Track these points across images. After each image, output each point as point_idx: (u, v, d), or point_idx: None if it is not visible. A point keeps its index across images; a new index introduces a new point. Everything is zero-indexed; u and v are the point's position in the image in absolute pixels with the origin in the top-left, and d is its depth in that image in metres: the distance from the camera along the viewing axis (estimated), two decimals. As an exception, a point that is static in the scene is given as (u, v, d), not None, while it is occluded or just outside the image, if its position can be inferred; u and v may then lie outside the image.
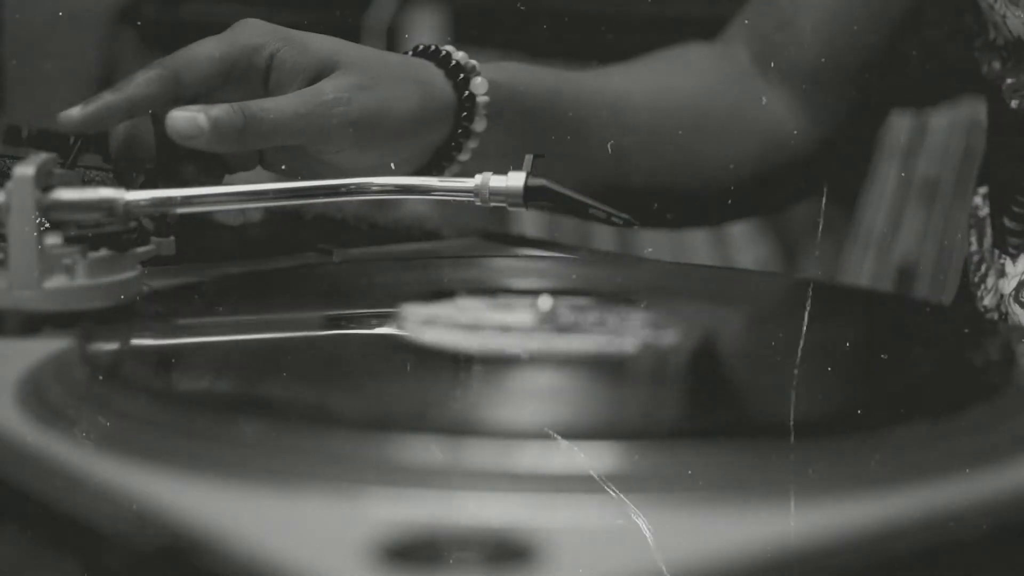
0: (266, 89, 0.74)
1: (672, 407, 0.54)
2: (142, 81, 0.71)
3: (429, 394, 0.54)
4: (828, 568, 0.42)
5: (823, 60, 0.93)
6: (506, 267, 0.76)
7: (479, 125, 0.79)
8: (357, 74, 0.74)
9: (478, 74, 0.79)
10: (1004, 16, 0.85)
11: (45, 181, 0.64)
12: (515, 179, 0.71)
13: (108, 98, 0.71)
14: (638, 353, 0.58)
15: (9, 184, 0.62)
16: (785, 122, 0.94)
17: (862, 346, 0.63)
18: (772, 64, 0.94)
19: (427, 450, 0.45)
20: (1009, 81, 0.87)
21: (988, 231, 0.91)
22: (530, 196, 0.71)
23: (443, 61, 0.79)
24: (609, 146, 0.87)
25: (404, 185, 0.72)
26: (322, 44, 0.75)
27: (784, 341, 0.63)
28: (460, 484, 0.44)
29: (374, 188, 0.72)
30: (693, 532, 0.42)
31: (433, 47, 0.80)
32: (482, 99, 0.79)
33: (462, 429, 0.48)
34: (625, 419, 0.52)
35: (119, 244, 0.65)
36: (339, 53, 0.75)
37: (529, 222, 1.46)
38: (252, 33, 0.74)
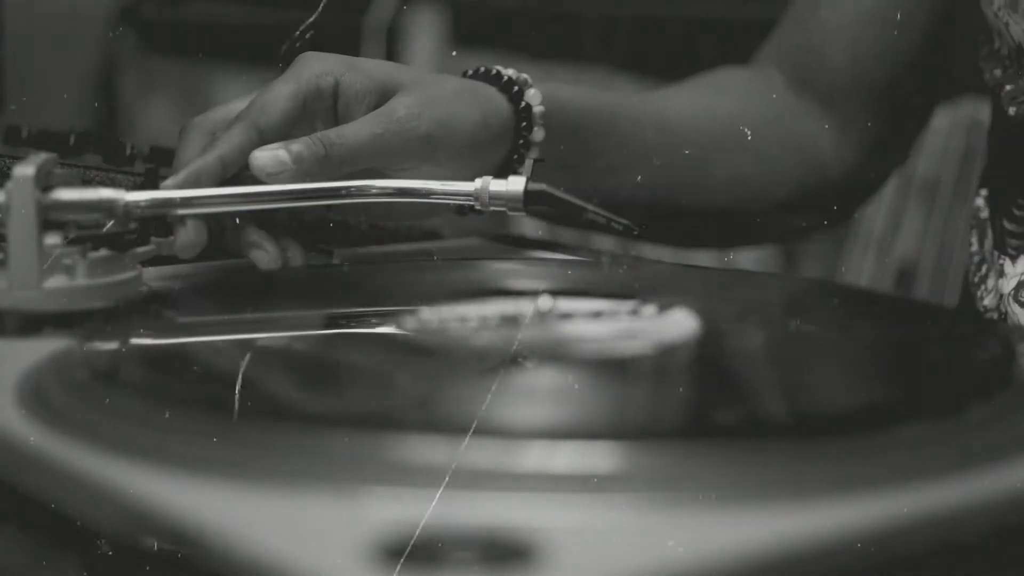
0: (336, 116, 0.76)
1: (672, 407, 0.54)
2: (227, 138, 0.73)
3: (429, 394, 0.54)
4: (828, 568, 0.42)
5: (853, 82, 0.95)
6: (506, 267, 0.76)
7: (537, 135, 0.81)
8: (421, 91, 0.76)
9: (531, 86, 0.81)
10: (1007, 24, 0.85)
11: (45, 181, 0.64)
12: (515, 183, 0.71)
13: (200, 164, 0.72)
14: (638, 353, 0.58)
15: (9, 184, 0.62)
16: (821, 143, 0.96)
17: (862, 346, 0.63)
18: (804, 87, 0.96)
19: (427, 450, 0.45)
20: (1008, 88, 0.88)
21: (989, 233, 0.91)
22: (530, 200, 0.71)
23: (495, 79, 0.81)
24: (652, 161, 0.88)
25: (404, 188, 0.72)
26: (382, 67, 0.77)
27: (784, 341, 0.63)
28: (460, 484, 0.44)
29: (374, 191, 0.72)
30: (693, 532, 0.42)
31: (483, 69, 0.82)
32: (538, 109, 0.81)
33: (462, 429, 0.48)
34: (625, 419, 0.52)
35: (119, 244, 0.65)
36: (399, 75, 0.77)
37: (529, 223, 1.46)
38: (315, 64, 0.76)
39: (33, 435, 0.49)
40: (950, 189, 1.46)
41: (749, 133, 0.94)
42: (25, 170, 0.63)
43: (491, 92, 0.80)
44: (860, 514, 0.43)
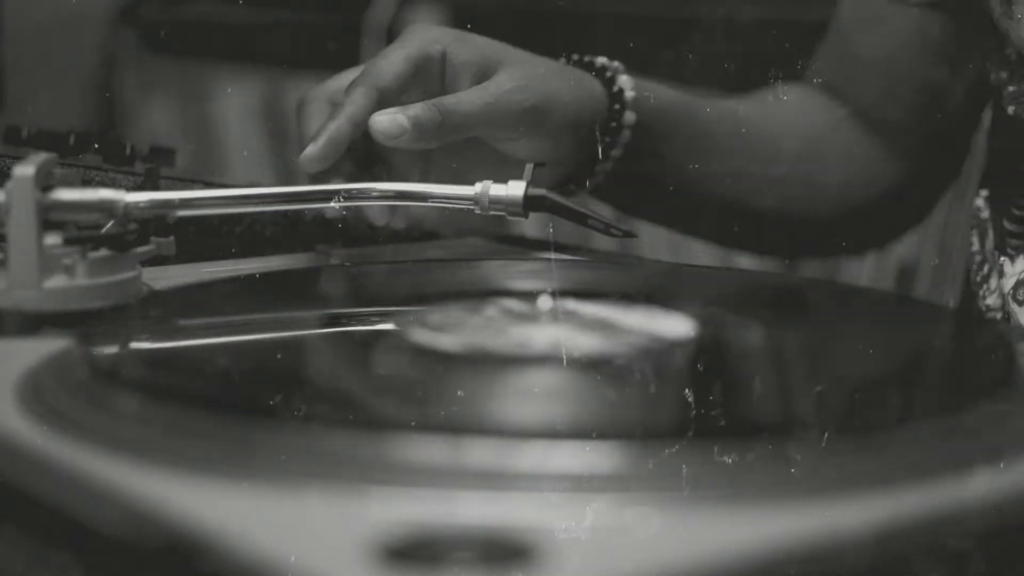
0: (442, 85, 0.79)
1: (672, 407, 0.54)
2: (351, 101, 0.75)
3: (429, 394, 0.54)
4: (828, 568, 0.42)
5: (890, 107, 0.97)
6: (505, 268, 0.76)
7: (629, 118, 0.85)
8: (525, 68, 0.80)
9: (623, 73, 0.85)
10: (1007, 30, 0.86)
11: (45, 181, 0.64)
12: (515, 188, 0.72)
13: (333, 127, 0.74)
14: (638, 353, 0.58)
15: (9, 184, 0.63)
16: (874, 158, 0.98)
17: (862, 346, 0.63)
18: (848, 108, 0.98)
19: (427, 450, 0.45)
20: (1010, 89, 0.88)
21: (990, 232, 0.92)
22: (530, 206, 0.72)
23: (587, 66, 0.85)
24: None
25: (404, 191, 0.72)
26: (486, 43, 0.81)
27: (784, 341, 0.63)
28: (460, 484, 0.44)
29: (375, 193, 0.72)
30: (693, 532, 0.42)
31: (575, 56, 0.86)
32: (629, 94, 0.85)
33: (462, 429, 0.48)
34: (625, 419, 0.52)
35: (119, 244, 0.65)
36: (502, 51, 0.81)
37: (529, 223, 1.46)
38: (424, 33, 0.79)
39: (33, 435, 0.49)
40: (950, 189, 1.46)
41: (812, 145, 0.97)
42: (25, 170, 0.63)
43: (586, 75, 0.84)
44: (860, 514, 0.43)
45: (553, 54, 0.86)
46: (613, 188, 0.89)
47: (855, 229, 1.00)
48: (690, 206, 0.92)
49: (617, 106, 0.84)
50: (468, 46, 0.79)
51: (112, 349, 0.58)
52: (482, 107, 0.77)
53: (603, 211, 0.87)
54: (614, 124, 0.84)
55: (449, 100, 0.76)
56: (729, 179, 0.93)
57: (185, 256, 0.74)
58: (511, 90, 0.78)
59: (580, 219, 0.73)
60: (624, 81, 0.85)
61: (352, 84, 0.76)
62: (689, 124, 0.90)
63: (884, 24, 0.96)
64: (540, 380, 0.57)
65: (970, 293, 0.93)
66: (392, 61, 0.77)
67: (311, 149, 0.73)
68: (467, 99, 0.77)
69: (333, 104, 0.76)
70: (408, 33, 0.79)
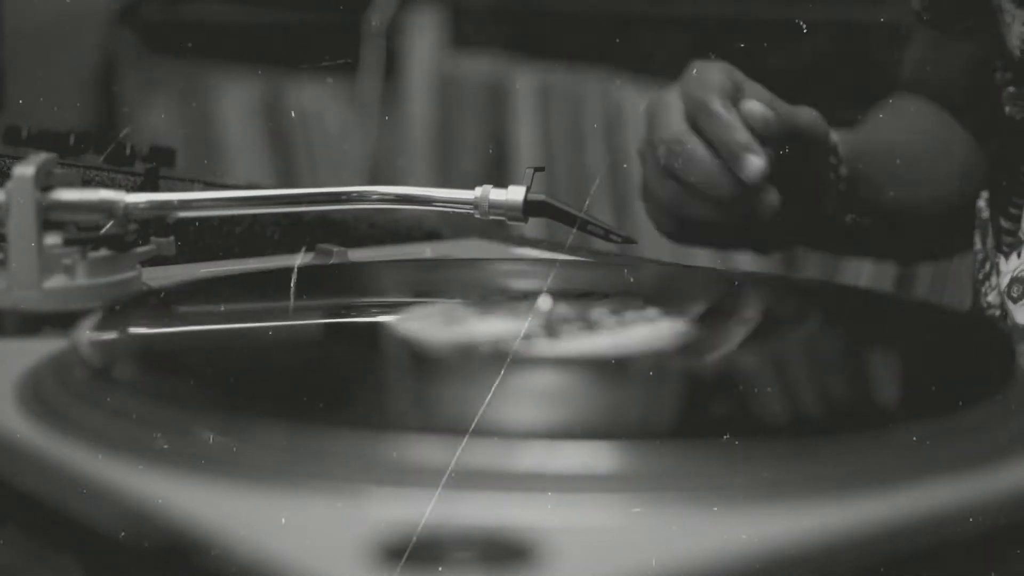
0: None
1: (672, 407, 0.54)
2: (726, 109, 0.81)
3: (429, 394, 0.54)
4: (828, 568, 0.42)
5: (973, 111, 0.99)
6: (505, 268, 0.76)
7: (844, 170, 0.89)
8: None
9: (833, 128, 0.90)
10: (1003, 34, 0.86)
11: (45, 181, 0.64)
12: (515, 193, 0.72)
13: (744, 134, 0.80)
14: (638, 353, 0.58)
15: (9, 184, 0.63)
16: (975, 157, 1.00)
17: (862, 346, 0.63)
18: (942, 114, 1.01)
19: (427, 450, 0.45)
20: (1011, 89, 0.89)
21: (990, 231, 0.92)
22: (529, 211, 0.72)
23: None
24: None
25: (404, 195, 0.72)
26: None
27: (784, 341, 0.63)
28: (460, 484, 0.44)
29: (375, 197, 0.72)
30: (693, 532, 0.42)
31: None
32: (842, 149, 0.89)
33: (462, 429, 0.48)
34: (625, 419, 0.52)
35: (119, 244, 0.65)
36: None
37: (529, 223, 1.46)
38: (717, 66, 0.85)
39: (33, 435, 0.49)
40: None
41: (933, 151, 1.00)
42: (25, 170, 0.63)
43: None
44: (860, 514, 0.43)
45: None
46: (827, 236, 0.95)
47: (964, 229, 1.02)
48: (875, 232, 0.95)
49: (833, 160, 0.89)
50: (758, 85, 0.85)
51: (112, 347, 0.58)
52: (809, 121, 0.84)
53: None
54: (833, 176, 0.89)
55: (791, 106, 0.84)
56: (904, 197, 0.96)
57: (185, 256, 0.74)
58: (814, 115, 0.85)
59: (580, 224, 0.73)
60: (836, 135, 0.89)
61: (703, 99, 0.81)
62: (869, 159, 0.93)
63: (940, 48, 0.98)
64: (539, 380, 0.57)
65: (978, 292, 0.94)
66: (717, 74, 0.83)
67: (757, 159, 0.79)
68: (798, 112, 0.84)
69: (686, 113, 0.82)
70: (701, 66, 0.84)
